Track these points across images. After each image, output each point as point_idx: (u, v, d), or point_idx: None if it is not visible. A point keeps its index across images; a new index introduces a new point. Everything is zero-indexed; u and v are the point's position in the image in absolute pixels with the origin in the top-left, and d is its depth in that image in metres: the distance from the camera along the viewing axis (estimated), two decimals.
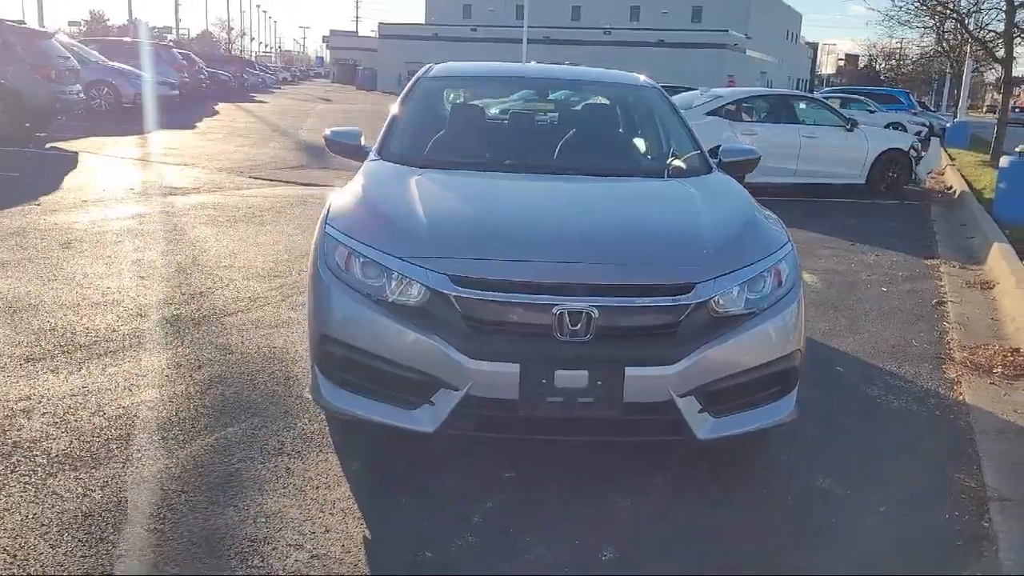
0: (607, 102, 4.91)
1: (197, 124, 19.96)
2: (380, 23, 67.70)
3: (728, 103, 12.47)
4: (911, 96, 29.70)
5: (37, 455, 3.18)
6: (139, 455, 3.23)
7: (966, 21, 18.19)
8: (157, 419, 3.57)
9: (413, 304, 3.03)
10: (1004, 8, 16.83)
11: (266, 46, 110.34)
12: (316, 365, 3.26)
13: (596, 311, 2.91)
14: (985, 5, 17.83)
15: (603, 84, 5.06)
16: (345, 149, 4.36)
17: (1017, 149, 10.17)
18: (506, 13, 60.50)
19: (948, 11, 18.64)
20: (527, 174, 3.99)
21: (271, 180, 11.49)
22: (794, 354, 3.25)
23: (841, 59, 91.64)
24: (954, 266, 7.67)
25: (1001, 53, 17.31)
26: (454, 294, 2.96)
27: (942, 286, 6.87)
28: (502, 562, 2.68)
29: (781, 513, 3.12)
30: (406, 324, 3.00)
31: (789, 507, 3.16)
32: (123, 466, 3.14)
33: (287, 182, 11.43)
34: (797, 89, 61.39)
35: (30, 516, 2.76)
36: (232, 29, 76.77)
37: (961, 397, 4.33)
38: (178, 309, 5.12)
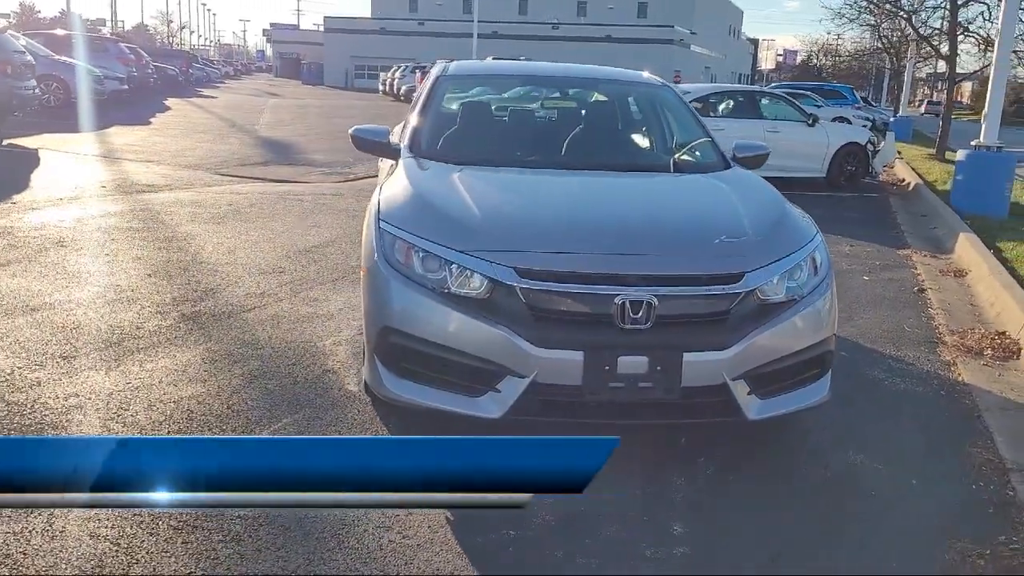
0: (625, 99, 5.08)
1: (151, 120, 19.64)
2: (326, 17, 66.94)
3: (695, 99, 12.75)
4: (854, 92, 30.54)
5: None
6: None
7: (912, 19, 18.84)
8: (211, 412, 3.63)
9: (476, 295, 3.16)
10: (947, 7, 17.47)
11: (205, 40, 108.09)
12: (377, 357, 3.36)
13: (656, 300, 3.07)
14: (929, 3, 18.50)
15: (618, 82, 5.23)
16: (373, 146, 4.44)
17: (972, 143, 10.65)
18: (453, 7, 60.39)
19: (896, 10, 19.31)
20: (561, 170, 4.15)
21: (240, 177, 11.41)
22: (829, 339, 3.47)
23: (780, 54, 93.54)
24: (925, 255, 8.04)
25: (945, 50, 17.97)
26: (521, 286, 3.10)
27: (918, 274, 7.22)
28: (584, 539, 2.83)
29: (826, 487, 3.33)
30: (472, 315, 3.13)
31: (832, 481, 3.38)
32: None
33: (257, 179, 11.38)
34: (740, 83, 62.55)
35: (128, 511, 2.82)
36: (171, 22, 75.09)
37: (960, 378, 4.62)
38: (195, 306, 5.15)
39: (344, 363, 4.32)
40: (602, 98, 5.06)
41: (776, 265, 3.31)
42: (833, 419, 3.88)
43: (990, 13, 17.14)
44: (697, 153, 4.48)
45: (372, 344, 3.39)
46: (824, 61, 62.19)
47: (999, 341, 5.15)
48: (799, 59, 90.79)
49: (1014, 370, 4.74)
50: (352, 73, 61.79)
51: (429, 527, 2.84)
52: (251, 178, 11.40)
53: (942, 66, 19.13)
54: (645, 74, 5.23)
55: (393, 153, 4.36)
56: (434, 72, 4.93)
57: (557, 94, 5.07)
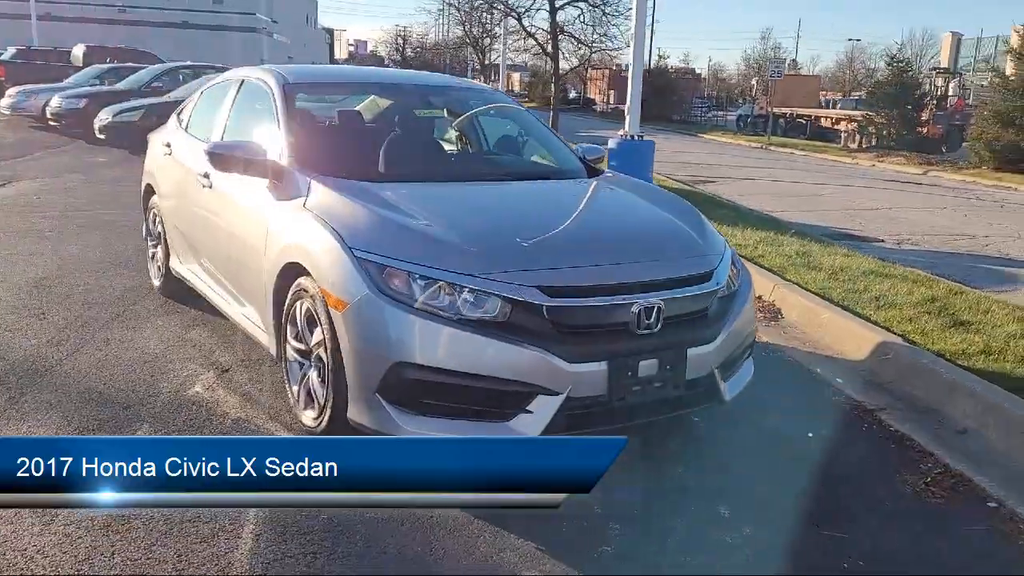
0: (486, 109, 5.07)
1: None
2: None
3: None
4: None
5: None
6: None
7: (522, 19, 20.78)
8: None
9: (491, 318, 3.10)
10: (548, 9, 19.57)
11: None
12: (383, 397, 3.12)
13: (663, 303, 3.29)
14: (534, 6, 20.53)
15: (471, 90, 5.22)
16: (244, 165, 3.94)
17: (620, 133, 12.19)
18: None
19: (508, 10, 21.09)
20: (480, 181, 4.12)
21: None
22: (755, 324, 3.97)
23: (352, 44, 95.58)
24: None
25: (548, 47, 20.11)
26: (548, 304, 3.10)
27: None
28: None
29: (762, 445, 3.86)
30: (498, 338, 3.07)
31: (765, 440, 3.90)
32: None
33: None
34: None
35: None
36: None
37: (763, 339, 5.46)
38: None
39: (246, 408, 3.86)
40: (464, 107, 5.00)
41: (724, 262, 3.70)
42: None
43: (584, 17, 19.59)
44: (572, 159, 4.69)
45: (375, 384, 3.12)
46: (408, 52, 65.24)
47: (761, 305, 6.16)
48: (369, 49, 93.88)
49: (790, 327, 5.73)
50: None
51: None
52: None
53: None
54: (479, 83, 5.28)
55: (267, 173, 3.93)
56: (270, 81, 4.43)
57: (419, 102, 4.89)
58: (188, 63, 19.44)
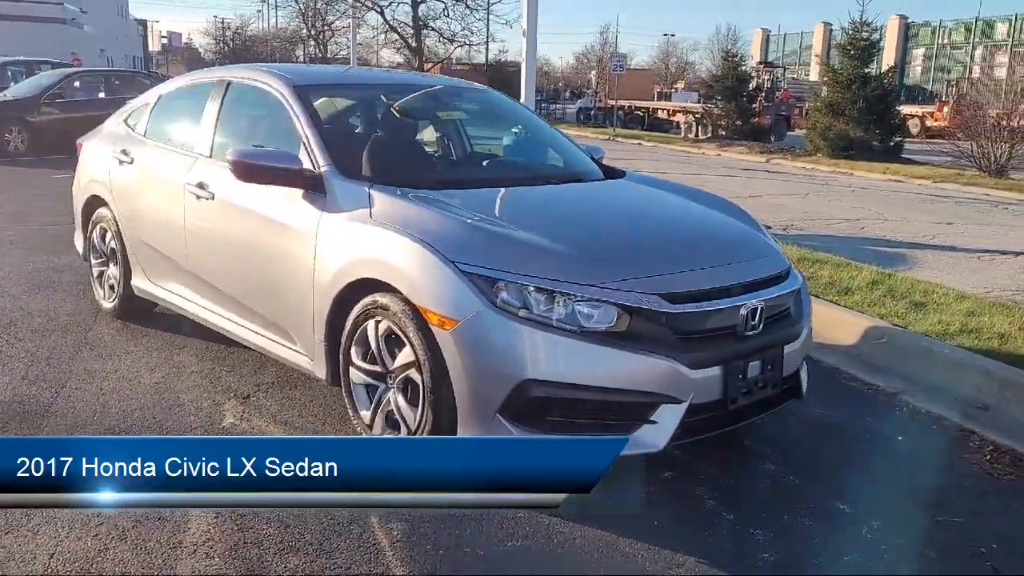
0: (497, 109, 4.87)
1: None
2: None
3: None
4: None
5: None
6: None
7: (384, 12, 20.28)
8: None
9: (609, 328, 3.00)
10: (410, 4, 19.27)
11: None
12: (505, 417, 2.95)
13: (764, 304, 3.29)
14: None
15: (474, 90, 4.99)
16: (277, 174, 3.59)
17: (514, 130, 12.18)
18: None
19: (371, 6, 20.52)
20: (529, 185, 3.98)
21: None
22: None
23: (164, 36, 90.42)
24: None
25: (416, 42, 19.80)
26: (670, 311, 3.03)
27: None
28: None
29: (823, 434, 3.98)
30: (624, 348, 2.98)
31: (824, 430, 4.02)
32: None
33: None
34: (133, 67, 59.35)
35: None
36: None
37: None
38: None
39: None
40: (479, 108, 4.77)
41: (787, 258, 3.75)
42: None
43: (448, 12, 19.42)
44: (588, 160, 4.59)
45: (497, 404, 2.94)
46: (236, 44, 62.44)
47: None
48: (184, 40, 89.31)
49: None
50: None
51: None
52: None
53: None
54: (480, 84, 5.09)
55: (307, 182, 3.61)
56: (276, 84, 4.03)
57: (437, 105, 4.58)
58: (20, 58, 17.70)
